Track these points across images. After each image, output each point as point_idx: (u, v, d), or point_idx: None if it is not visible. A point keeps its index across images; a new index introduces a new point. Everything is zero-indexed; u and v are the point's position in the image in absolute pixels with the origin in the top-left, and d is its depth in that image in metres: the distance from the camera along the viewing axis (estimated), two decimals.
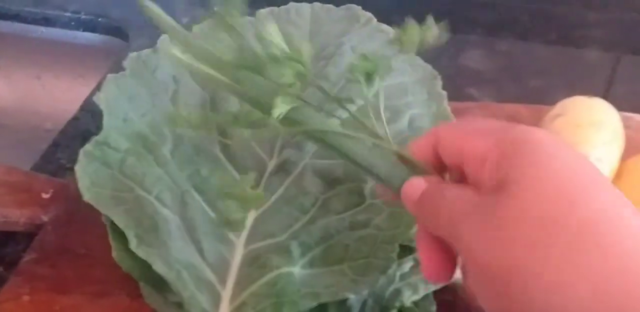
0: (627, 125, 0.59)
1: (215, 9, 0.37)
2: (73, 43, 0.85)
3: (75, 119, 0.69)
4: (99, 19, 0.82)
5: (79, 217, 0.52)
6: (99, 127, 0.47)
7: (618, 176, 0.52)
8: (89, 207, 0.44)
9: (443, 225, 0.29)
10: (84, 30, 0.84)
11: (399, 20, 0.81)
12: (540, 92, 0.72)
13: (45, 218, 0.53)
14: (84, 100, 0.71)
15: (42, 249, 0.51)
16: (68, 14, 0.83)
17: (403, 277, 0.45)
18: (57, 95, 0.90)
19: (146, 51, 0.49)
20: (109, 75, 0.46)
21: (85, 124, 0.68)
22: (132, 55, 0.48)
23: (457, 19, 0.82)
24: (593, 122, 0.51)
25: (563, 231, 0.25)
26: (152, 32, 0.78)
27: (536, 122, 0.57)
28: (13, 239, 0.55)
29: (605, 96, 0.73)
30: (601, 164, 0.50)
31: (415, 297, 0.46)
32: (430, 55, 0.76)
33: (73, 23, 0.83)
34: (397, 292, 0.46)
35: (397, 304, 0.45)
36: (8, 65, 0.90)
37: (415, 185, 0.32)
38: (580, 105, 0.54)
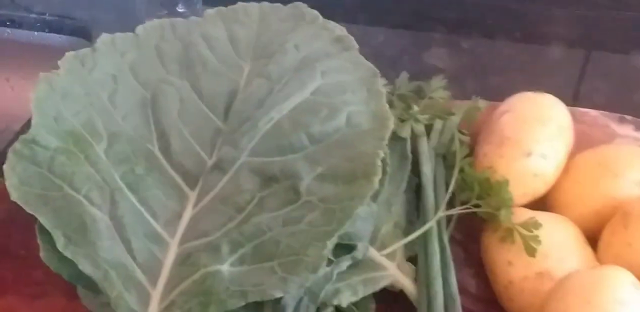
0: (581, 121, 0.59)
1: None
2: (40, 44, 0.84)
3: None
4: (64, 20, 0.82)
5: (21, 217, 0.51)
6: None
7: (565, 171, 0.51)
8: None
9: None
10: (49, 32, 0.83)
11: (364, 18, 0.81)
12: (503, 90, 0.72)
13: None
14: None
15: None
16: (33, 16, 0.82)
17: (342, 277, 0.45)
18: (26, 96, 0.90)
19: (84, 50, 0.49)
20: (41, 74, 0.46)
21: None
22: (69, 54, 0.48)
23: (422, 17, 0.82)
24: (538, 117, 0.51)
25: None
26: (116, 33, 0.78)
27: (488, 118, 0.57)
28: None
29: (575, 93, 0.73)
30: (545, 160, 0.49)
31: (354, 299, 0.45)
32: (394, 52, 0.77)
33: (39, 24, 0.83)
34: (336, 292, 0.45)
35: (335, 302, 0.44)
36: None
37: None
38: (526, 101, 0.53)
